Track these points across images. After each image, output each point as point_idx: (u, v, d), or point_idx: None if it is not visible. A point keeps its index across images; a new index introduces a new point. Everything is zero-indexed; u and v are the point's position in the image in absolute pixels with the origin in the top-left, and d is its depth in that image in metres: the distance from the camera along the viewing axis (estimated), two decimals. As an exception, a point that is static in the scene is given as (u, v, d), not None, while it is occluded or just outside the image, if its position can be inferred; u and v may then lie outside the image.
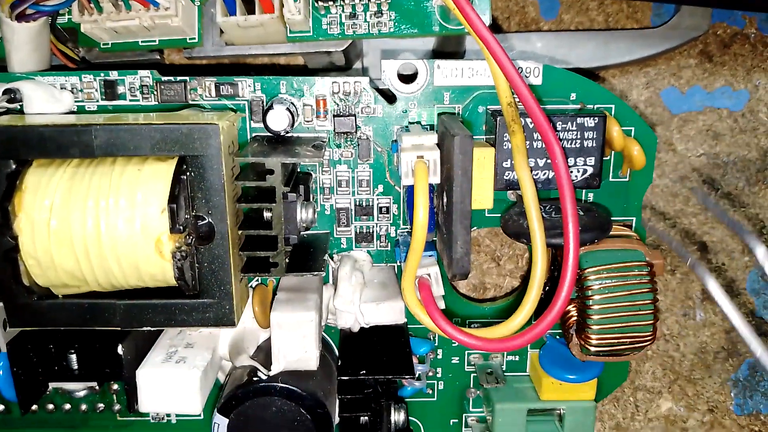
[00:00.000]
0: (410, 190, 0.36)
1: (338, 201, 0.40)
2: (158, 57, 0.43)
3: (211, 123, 0.32)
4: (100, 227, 0.32)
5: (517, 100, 0.34)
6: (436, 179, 0.34)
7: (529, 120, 0.35)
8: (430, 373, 0.44)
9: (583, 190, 0.40)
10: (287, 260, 0.35)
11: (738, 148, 0.48)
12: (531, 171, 0.34)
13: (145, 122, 0.33)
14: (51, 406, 0.44)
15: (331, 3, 0.37)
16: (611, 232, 0.38)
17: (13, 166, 0.33)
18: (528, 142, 0.36)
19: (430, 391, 0.45)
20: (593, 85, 0.39)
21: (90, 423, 0.45)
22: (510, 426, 0.42)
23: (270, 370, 0.37)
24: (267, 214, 0.35)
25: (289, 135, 0.38)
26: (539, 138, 0.36)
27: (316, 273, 0.35)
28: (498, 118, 0.36)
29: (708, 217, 0.49)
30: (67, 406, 0.44)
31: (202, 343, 0.38)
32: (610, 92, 0.39)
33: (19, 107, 0.37)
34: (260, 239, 0.35)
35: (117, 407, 0.44)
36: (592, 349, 0.37)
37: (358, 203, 0.40)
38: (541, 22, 0.48)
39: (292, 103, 0.38)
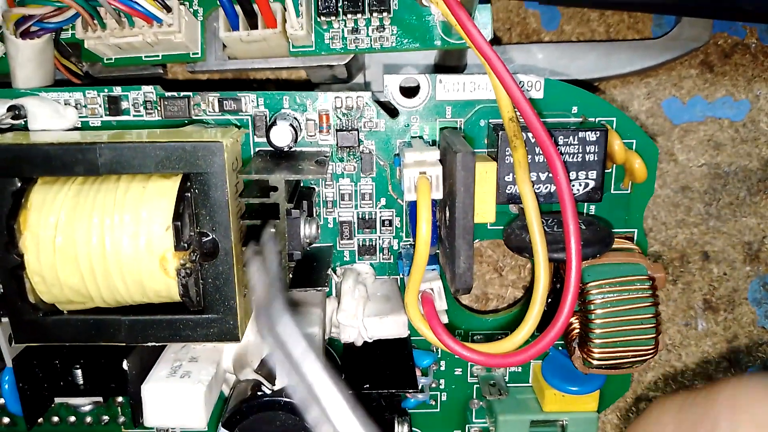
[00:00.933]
0: (413, 205, 0.36)
1: (341, 214, 0.41)
2: (161, 71, 0.44)
3: (215, 141, 0.33)
4: (104, 244, 0.32)
5: (518, 114, 0.34)
6: (438, 195, 0.34)
7: (530, 134, 0.35)
8: (433, 385, 0.44)
9: (585, 204, 0.41)
10: (291, 276, 0.35)
11: (739, 158, 0.48)
12: (533, 185, 0.34)
13: (149, 140, 0.33)
14: (56, 419, 0.44)
15: (333, 18, 0.37)
16: (613, 246, 0.38)
17: (19, 184, 0.33)
18: (530, 156, 0.36)
19: (434, 403, 0.45)
20: (595, 98, 0.39)
21: (95, 435, 0.45)
22: (513, 437, 0.42)
23: (274, 384, 0.37)
24: (271, 231, 0.35)
25: (292, 150, 0.38)
26: (541, 152, 0.36)
27: (319, 289, 0.35)
28: (500, 133, 0.36)
29: (710, 227, 0.49)
30: (72, 419, 0.44)
31: (207, 357, 0.38)
32: (611, 105, 0.39)
33: (23, 123, 0.37)
34: (264, 255, 0.35)
35: (122, 419, 0.45)
36: (595, 362, 0.37)
37: (360, 216, 0.41)
38: (542, 33, 0.48)
39: (295, 118, 0.38)
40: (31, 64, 0.38)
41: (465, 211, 0.33)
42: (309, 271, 0.37)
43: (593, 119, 0.39)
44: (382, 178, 0.40)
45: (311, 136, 0.39)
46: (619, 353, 0.36)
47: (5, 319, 0.36)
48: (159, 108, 0.39)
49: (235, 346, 0.39)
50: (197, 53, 0.40)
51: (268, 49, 0.40)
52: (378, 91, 0.40)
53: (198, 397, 0.36)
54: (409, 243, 0.41)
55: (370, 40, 0.38)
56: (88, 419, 0.44)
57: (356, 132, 0.39)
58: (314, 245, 0.41)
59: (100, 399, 0.43)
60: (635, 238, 0.41)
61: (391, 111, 0.39)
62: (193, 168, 0.33)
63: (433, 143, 0.39)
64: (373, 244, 0.41)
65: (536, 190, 0.36)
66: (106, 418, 0.44)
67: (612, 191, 0.40)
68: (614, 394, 0.44)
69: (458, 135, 0.37)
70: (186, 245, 0.32)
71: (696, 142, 0.48)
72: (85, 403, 0.43)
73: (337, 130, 0.39)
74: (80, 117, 0.39)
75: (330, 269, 0.39)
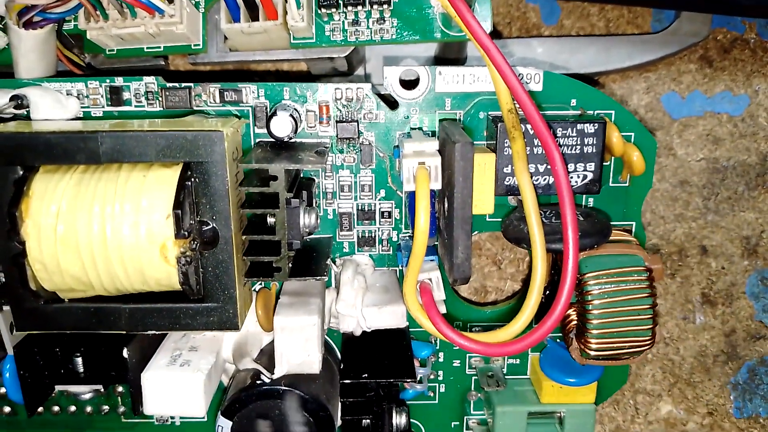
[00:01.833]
0: (412, 196, 0.36)
1: (341, 205, 0.41)
2: (163, 63, 0.44)
3: (216, 130, 0.33)
4: (105, 233, 0.33)
5: (517, 106, 0.34)
6: (437, 185, 0.35)
7: (529, 126, 0.36)
8: (432, 376, 0.45)
9: (583, 196, 0.41)
10: (290, 265, 0.35)
11: (738, 153, 0.48)
12: (531, 177, 0.34)
13: (150, 129, 0.33)
14: (56, 408, 0.45)
15: (334, 10, 0.38)
16: (611, 237, 0.38)
17: (21, 173, 0.34)
18: (528, 148, 0.36)
19: (432, 394, 0.45)
20: (593, 91, 0.39)
21: (95, 425, 0.45)
22: (511, 428, 0.43)
23: (273, 374, 0.37)
24: (270, 220, 0.36)
25: (292, 141, 0.38)
26: (539, 144, 0.36)
27: (318, 278, 0.35)
28: (499, 125, 0.36)
29: (708, 222, 0.49)
30: (73, 408, 0.45)
31: (206, 347, 0.39)
32: (610, 98, 0.40)
33: (26, 113, 0.37)
34: (264, 244, 0.35)
35: (122, 409, 0.45)
36: (592, 353, 0.37)
37: (360, 208, 0.41)
38: (542, 27, 0.48)
39: (295, 109, 0.39)
40: (34, 55, 0.38)
41: (463, 201, 0.33)
42: (308, 261, 0.37)
43: (592, 112, 0.39)
44: (381, 169, 0.40)
45: (311, 127, 0.39)
46: (616, 344, 0.37)
47: (6, 307, 0.36)
48: (160, 98, 0.39)
49: (234, 335, 0.39)
50: (199, 45, 0.40)
51: (269, 41, 0.40)
52: (378, 84, 0.40)
53: (197, 385, 0.36)
54: (408, 234, 0.41)
55: (371, 33, 0.39)
56: (88, 408, 0.45)
57: (356, 123, 0.39)
58: (314, 236, 0.41)
59: (101, 387, 0.43)
60: (633, 230, 0.41)
61: (391, 103, 0.39)
62: (194, 157, 0.33)
63: (433, 135, 0.39)
64: (373, 235, 0.41)
65: (534, 182, 0.36)
66: (106, 408, 0.45)
67: (610, 184, 0.41)
68: (612, 386, 0.45)
69: (458, 126, 0.38)
70: (186, 233, 0.33)
71: (695, 137, 0.48)
72: (85, 392, 0.43)
73: (337, 122, 0.39)
74: (82, 107, 0.39)
75: (329, 260, 0.40)
